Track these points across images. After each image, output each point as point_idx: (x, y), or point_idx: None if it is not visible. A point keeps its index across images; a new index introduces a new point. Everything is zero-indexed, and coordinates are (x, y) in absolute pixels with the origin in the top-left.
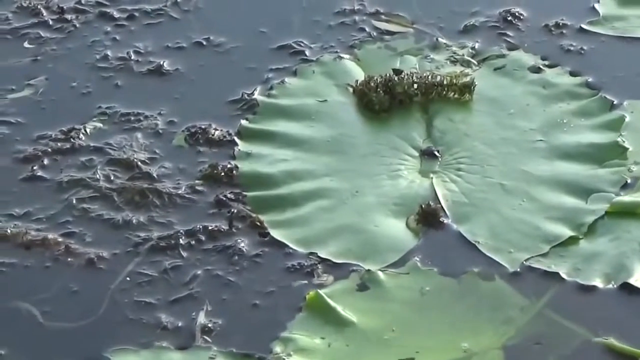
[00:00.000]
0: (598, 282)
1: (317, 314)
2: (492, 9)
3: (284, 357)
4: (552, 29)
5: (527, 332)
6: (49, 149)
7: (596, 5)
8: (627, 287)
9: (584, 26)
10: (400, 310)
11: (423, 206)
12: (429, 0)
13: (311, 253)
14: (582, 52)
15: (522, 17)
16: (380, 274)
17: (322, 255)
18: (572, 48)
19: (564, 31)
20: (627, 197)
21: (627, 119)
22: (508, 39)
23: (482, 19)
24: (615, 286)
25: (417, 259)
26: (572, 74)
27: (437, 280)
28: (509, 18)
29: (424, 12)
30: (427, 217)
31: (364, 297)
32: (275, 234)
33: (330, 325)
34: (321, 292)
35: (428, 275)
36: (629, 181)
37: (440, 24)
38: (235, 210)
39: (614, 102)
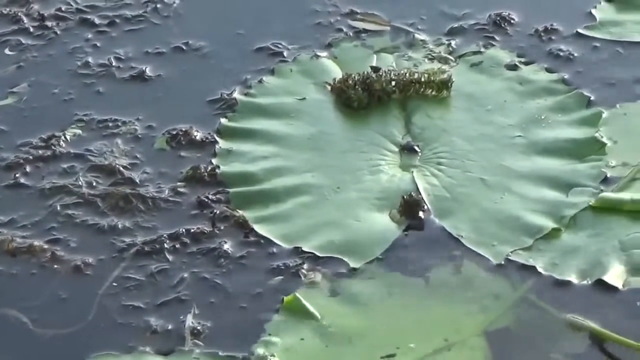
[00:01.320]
0: (573, 278)
1: (294, 316)
2: (484, 11)
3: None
4: (542, 33)
5: (506, 318)
6: (31, 157)
7: (593, 11)
8: (601, 283)
9: (580, 31)
10: (374, 311)
11: (405, 197)
12: (419, 1)
13: (295, 247)
14: (572, 57)
15: (512, 21)
16: (348, 280)
17: (306, 249)
18: (561, 53)
19: (553, 36)
20: (612, 194)
21: (606, 115)
22: (493, 43)
23: (471, 21)
24: (589, 282)
25: (380, 257)
26: (549, 70)
27: (403, 279)
28: (499, 21)
29: (410, 13)
30: (410, 208)
31: (337, 302)
32: (259, 229)
33: (308, 326)
34: (298, 294)
35: (393, 277)
36: (608, 175)
37: (425, 25)
38: (218, 211)
39: (591, 98)
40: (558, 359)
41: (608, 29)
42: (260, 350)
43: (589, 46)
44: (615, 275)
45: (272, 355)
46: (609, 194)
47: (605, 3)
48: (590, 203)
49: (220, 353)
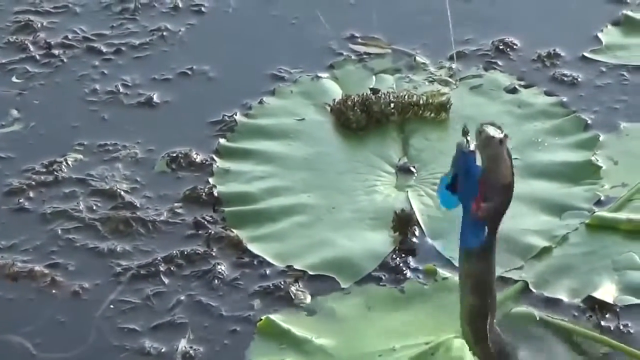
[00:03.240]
0: (564, 296)
1: (271, 338)
2: (486, 37)
3: None
4: (545, 58)
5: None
6: (34, 182)
7: (599, 34)
8: (590, 300)
9: (586, 54)
10: (353, 326)
11: (397, 212)
12: (421, 27)
13: (288, 266)
14: (576, 81)
15: (515, 47)
16: (324, 298)
17: (298, 267)
18: (565, 77)
19: (557, 61)
20: (608, 213)
21: (608, 137)
22: (497, 68)
23: (473, 47)
24: (579, 301)
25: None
26: (547, 93)
27: (380, 291)
28: (502, 47)
29: (413, 38)
30: (402, 224)
31: (314, 320)
32: (253, 248)
33: (288, 347)
34: (272, 316)
35: (370, 290)
36: (602, 198)
37: (428, 50)
38: (213, 232)
39: (588, 122)
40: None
41: (614, 53)
42: None
43: (595, 70)
44: (606, 292)
45: None
46: (604, 213)
47: (612, 27)
48: (586, 221)
49: None
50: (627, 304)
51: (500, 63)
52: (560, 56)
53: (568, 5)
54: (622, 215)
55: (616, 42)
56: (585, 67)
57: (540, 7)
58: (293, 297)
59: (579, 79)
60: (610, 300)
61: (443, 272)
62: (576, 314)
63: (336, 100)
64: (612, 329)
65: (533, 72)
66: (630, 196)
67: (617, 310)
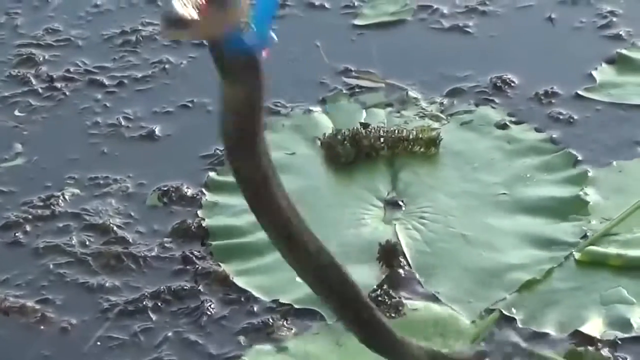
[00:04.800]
0: (551, 330)
1: None
2: (484, 74)
3: None
4: (542, 97)
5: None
6: (30, 216)
7: (593, 73)
8: (577, 334)
9: (580, 92)
10: None
11: (382, 244)
12: (416, 62)
13: (274, 300)
14: (572, 120)
15: (513, 84)
16: (293, 339)
17: (284, 301)
18: (561, 116)
19: (553, 100)
20: (599, 248)
21: (600, 173)
22: (493, 106)
23: (470, 84)
24: (566, 335)
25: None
26: (538, 130)
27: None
28: (499, 84)
29: (408, 74)
30: (387, 255)
31: (286, 358)
32: (239, 281)
33: None
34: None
35: (338, 328)
36: (588, 234)
37: (424, 86)
38: (200, 267)
39: (578, 158)
40: None
41: (608, 91)
42: None
43: (591, 108)
44: (593, 327)
45: None
46: (595, 248)
47: (606, 65)
48: (576, 257)
49: None
50: (612, 338)
51: (497, 100)
52: (558, 94)
53: (564, 43)
54: (612, 250)
55: (610, 80)
56: (579, 105)
57: (538, 44)
58: (276, 332)
59: (575, 117)
60: (597, 334)
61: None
62: (562, 348)
63: (326, 135)
64: None
65: (530, 110)
66: (609, 229)
67: (606, 345)
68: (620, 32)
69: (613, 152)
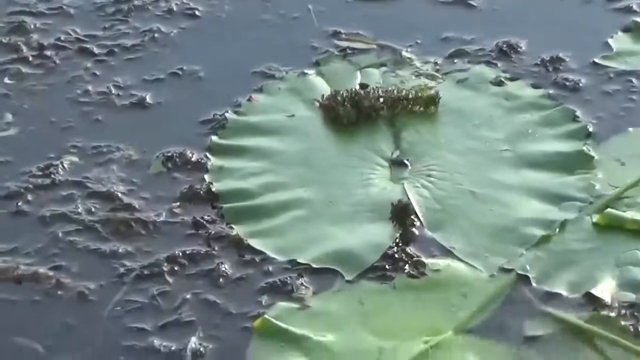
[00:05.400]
0: (563, 290)
1: (270, 338)
2: (491, 38)
3: None
4: (547, 63)
5: (482, 314)
6: (31, 185)
7: (609, 41)
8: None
9: (596, 60)
10: (347, 322)
11: (394, 203)
12: (423, 26)
13: (290, 260)
14: (578, 85)
15: (519, 49)
16: (314, 298)
17: (301, 261)
18: (567, 82)
19: (560, 66)
20: (617, 211)
21: (613, 140)
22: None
23: (475, 47)
24: (579, 296)
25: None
26: (534, 86)
27: (372, 287)
28: (505, 49)
29: (413, 37)
30: (399, 214)
31: (308, 317)
32: (254, 243)
33: (287, 345)
34: (267, 316)
35: (362, 286)
36: (597, 187)
37: (428, 50)
38: (213, 231)
39: (576, 113)
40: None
41: (624, 59)
42: None
43: (604, 76)
44: (605, 288)
45: None
46: (612, 211)
47: (622, 33)
48: (594, 220)
49: None
50: (627, 300)
51: (499, 65)
52: (566, 61)
53: (575, 15)
54: (628, 215)
55: (627, 49)
56: (594, 72)
57: (547, 15)
58: (295, 291)
59: (586, 84)
60: (609, 296)
61: (434, 263)
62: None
63: (325, 96)
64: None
65: (539, 76)
66: (622, 192)
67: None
68: (631, 5)
69: (622, 120)
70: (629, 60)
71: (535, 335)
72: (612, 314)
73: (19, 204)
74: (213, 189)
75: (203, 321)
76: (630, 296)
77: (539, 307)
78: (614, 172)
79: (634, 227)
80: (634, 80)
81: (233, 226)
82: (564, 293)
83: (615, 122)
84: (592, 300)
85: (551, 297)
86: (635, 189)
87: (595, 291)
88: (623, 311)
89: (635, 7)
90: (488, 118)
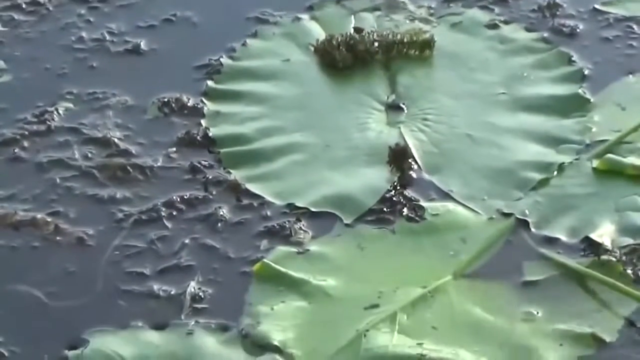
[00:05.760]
0: (562, 235)
1: (269, 283)
2: None
3: (253, 328)
4: (545, 8)
5: (481, 259)
6: (27, 132)
7: None
8: (586, 240)
9: (596, 6)
10: (347, 266)
11: (391, 147)
12: None
13: (288, 204)
14: (576, 31)
15: None
16: (313, 242)
17: (300, 205)
18: (564, 28)
19: (557, 11)
20: (617, 157)
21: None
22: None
23: None
24: (577, 241)
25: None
26: (528, 29)
27: (372, 232)
28: None
29: None
30: (397, 158)
31: (307, 261)
32: (252, 187)
33: (286, 288)
34: (267, 260)
35: (361, 231)
36: (594, 130)
37: None
38: (210, 176)
39: (572, 57)
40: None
41: (625, 5)
42: (246, 321)
43: (603, 22)
44: (604, 233)
45: (258, 323)
46: (612, 156)
47: None
48: (594, 165)
49: (212, 326)
50: (625, 244)
51: (496, 10)
52: (562, 7)
53: None
54: (627, 160)
55: None
56: (593, 18)
57: None
58: (294, 235)
59: (580, 29)
60: (609, 241)
61: (433, 207)
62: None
63: (320, 41)
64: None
65: (536, 21)
66: (622, 137)
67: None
68: None
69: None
70: (630, 6)
71: (534, 279)
72: (612, 259)
73: (15, 150)
74: (210, 134)
75: (202, 266)
76: (629, 241)
77: (538, 252)
78: (615, 116)
79: (633, 172)
80: (634, 26)
81: (230, 171)
82: (563, 238)
83: (615, 69)
84: (592, 246)
85: (550, 241)
86: (636, 134)
87: (595, 236)
88: (623, 257)
89: None
90: (483, 61)
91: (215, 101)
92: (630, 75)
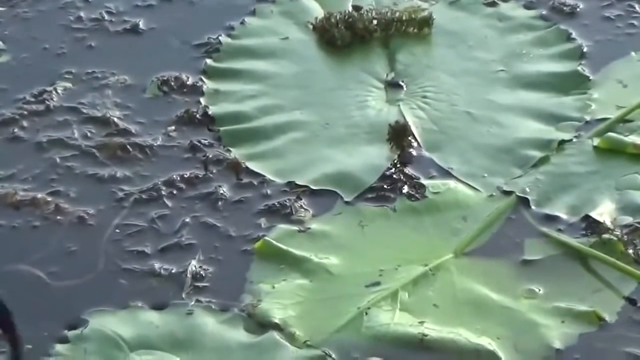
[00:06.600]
0: (562, 213)
1: (270, 260)
2: None
3: (254, 306)
4: None
5: (482, 237)
6: (26, 112)
7: None
8: (586, 219)
9: None
10: (348, 244)
11: (391, 124)
12: None
13: (288, 183)
14: (575, 10)
15: None
16: (314, 220)
17: (300, 183)
18: (564, 7)
19: None
20: (618, 135)
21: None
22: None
23: None
24: (578, 219)
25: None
26: (527, 7)
27: (372, 211)
28: None
29: None
30: (397, 135)
31: (308, 239)
32: (252, 165)
33: (287, 266)
34: (268, 238)
35: (362, 209)
36: (593, 107)
37: None
38: (211, 155)
39: (571, 34)
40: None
41: None
42: (247, 299)
43: (605, 0)
44: (605, 212)
45: (259, 301)
46: (613, 135)
47: None
48: (595, 143)
49: (212, 306)
50: (625, 223)
51: None
52: None
53: None
54: (628, 139)
55: None
56: None
57: None
58: (294, 213)
59: (580, 7)
60: (609, 219)
61: (434, 185)
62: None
63: (318, 19)
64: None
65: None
66: (621, 117)
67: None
68: None
69: (620, 46)
70: None
71: (534, 258)
72: (612, 238)
73: (15, 130)
74: (209, 112)
75: (203, 244)
76: (629, 219)
77: (538, 230)
78: (616, 93)
79: (634, 151)
80: (636, 5)
81: (230, 149)
82: (564, 216)
83: (616, 47)
84: (592, 224)
85: (551, 219)
86: (638, 112)
87: (595, 214)
88: (623, 236)
89: None
90: (482, 39)
91: (215, 79)
92: (633, 53)
